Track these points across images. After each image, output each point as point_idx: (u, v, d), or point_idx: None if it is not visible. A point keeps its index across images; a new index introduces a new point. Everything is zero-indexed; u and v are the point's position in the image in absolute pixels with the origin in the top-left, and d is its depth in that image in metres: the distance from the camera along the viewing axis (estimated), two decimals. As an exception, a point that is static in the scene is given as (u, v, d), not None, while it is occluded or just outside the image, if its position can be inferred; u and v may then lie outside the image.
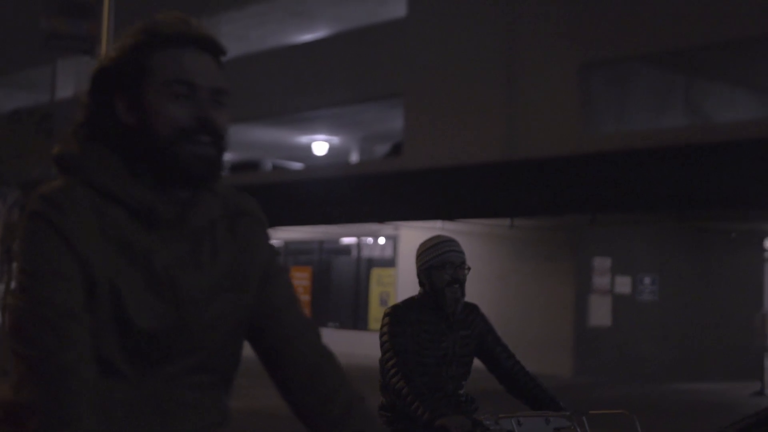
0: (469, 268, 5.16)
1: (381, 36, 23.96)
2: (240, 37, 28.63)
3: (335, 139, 30.40)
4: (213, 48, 2.25)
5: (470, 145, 21.31)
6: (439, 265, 5.10)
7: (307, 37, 28.21)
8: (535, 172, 19.53)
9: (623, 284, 20.98)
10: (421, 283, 5.17)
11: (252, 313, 2.36)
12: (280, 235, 26.55)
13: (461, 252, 5.17)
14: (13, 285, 2.15)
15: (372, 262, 24.98)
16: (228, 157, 29.09)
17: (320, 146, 30.61)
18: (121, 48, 2.24)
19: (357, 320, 24.89)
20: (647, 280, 21.47)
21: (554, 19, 20.12)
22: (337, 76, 24.95)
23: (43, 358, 2.05)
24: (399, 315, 5.08)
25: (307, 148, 31.00)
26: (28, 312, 2.09)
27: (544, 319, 20.34)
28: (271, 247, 2.44)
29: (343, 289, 25.75)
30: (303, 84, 25.81)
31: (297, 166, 30.43)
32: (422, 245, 5.22)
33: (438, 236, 5.28)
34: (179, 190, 2.22)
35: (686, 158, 17.37)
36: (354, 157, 30.99)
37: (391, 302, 22.55)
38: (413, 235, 22.91)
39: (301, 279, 26.47)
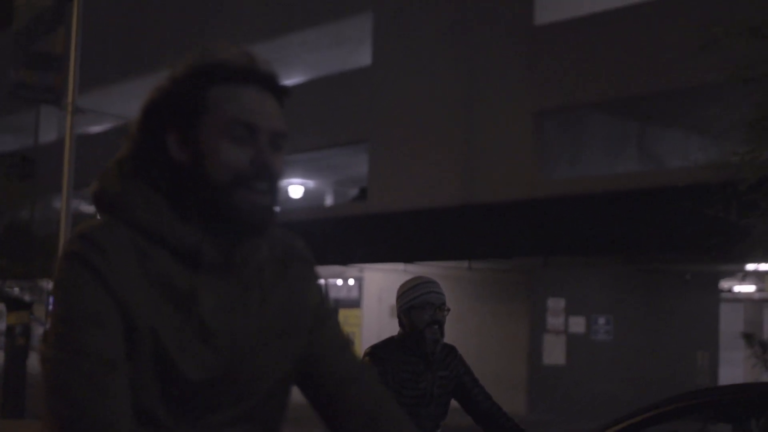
0: (448, 310, 5.20)
1: (348, 84, 24.76)
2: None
3: (310, 183, 31.13)
4: (276, 87, 2.13)
5: (431, 190, 22.04)
6: (419, 305, 5.14)
7: (300, 79, 29.05)
8: (492, 215, 20.27)
9: (577, 324, 21.66)
10: (401, 324, 5.22)
11: (302, 359, 2.24)
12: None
13: (441, 293, 5.21)
14: (47, 332, 2.03)
15: (338, 303, 25.68)
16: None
17: (296, 189, 31.35)
18: (176, 78, 2.10)
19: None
20: (601, 320, 22.15)
21: (510, 69, 20.91)
22: (310, 121, 25.73)
23: (77, 416, 1.91)
24: (378, 355, 5.13)
25: (284, 191, 31.74)
26: (62, 363, 1.95)
27: (499, 358, 20.99)
28: (321, 289, 2.32)
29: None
30: (294, 127, 26.53)
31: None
32: (403, 286, 5.28)
33: (419, 277, 5.35)
34: (229, 237, 2.08)
35: (639, 202, 18.03)
36: (328, 201, 31.73)
37: (357, 342, 23.24)
38: (377, 277, 23.62)
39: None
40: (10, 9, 16.55)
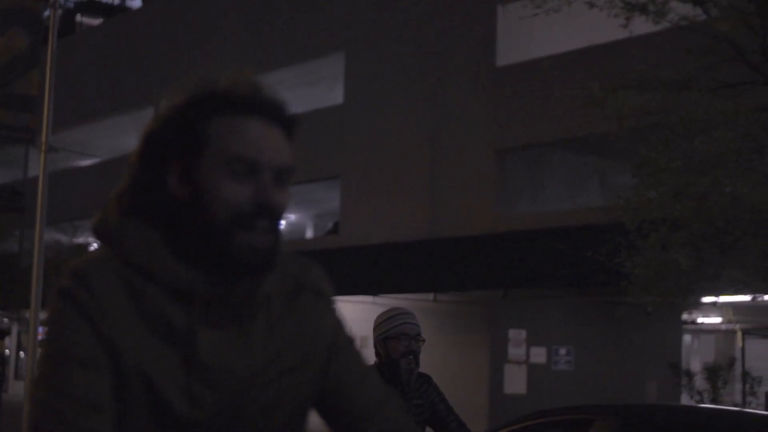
0: (423, 340, 5.27)
1: (322, 121, 25.63)
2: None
3: (292, 216, 31.92)
4: (282, 118, 2.00)
5: (398, 224, 22.82)
6: (394, 336, 5.20)
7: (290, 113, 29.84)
8: (455, 249, 21.03)
9: (538, 354, 22.35)
10: (377, 353, 5.27)
11: (321, 392, 2.15)
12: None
13: (416, 324, 5.28)
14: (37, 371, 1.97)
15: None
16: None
17: (277, 223, 32.08)
18: (175, 108, 1.98)
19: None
20: (562, 351, 22.84)
21: (473, 108, 21.73)
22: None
23: None
24: None
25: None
26: (42, 403, 1.89)
27: (463, 387, 21.66)
28: (337, 319, 2.20)
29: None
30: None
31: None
32: (379, 317, 5.35)
33: (395, 308, 5.44)
34: (228, 277, 1.97)
35: (596, 236, 18.69)
36: (309, 233, 32.52)
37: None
38: (348, 308, 24.27)
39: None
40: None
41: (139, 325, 1.94)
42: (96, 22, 48.16)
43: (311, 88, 27.61)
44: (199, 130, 1.94)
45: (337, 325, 2.18)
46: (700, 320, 26.53)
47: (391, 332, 5.20)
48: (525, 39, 20.87)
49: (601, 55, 19.66)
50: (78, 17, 57.64)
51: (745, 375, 16.17)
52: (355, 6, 25.07)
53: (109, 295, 1.94)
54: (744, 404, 13.55)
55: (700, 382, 15.12)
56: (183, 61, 29.70)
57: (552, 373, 22.70)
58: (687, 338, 30.34)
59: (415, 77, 23.05)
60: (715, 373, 14.67)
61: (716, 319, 27.54)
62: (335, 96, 26.61)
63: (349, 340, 2.20)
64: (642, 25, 12.84)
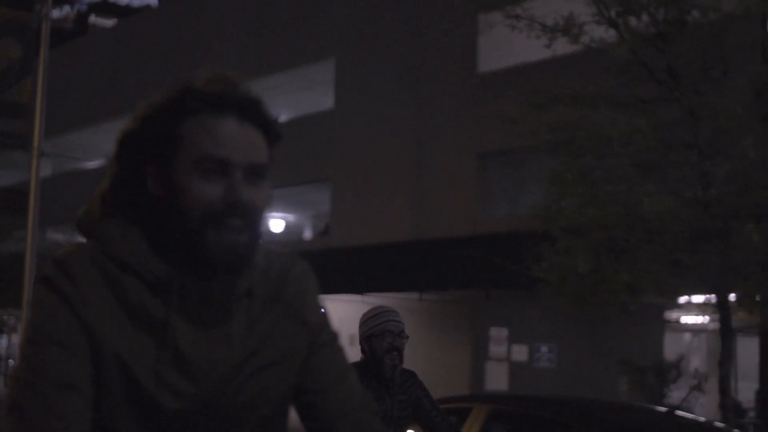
0: (407, 337, 5.38)
1: (313, 125, 26.34)
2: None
3: (291, 217, 32.60)
4: (257, 117, 2.00)
5: (385, 226, 23.50)
6: (379, 333, 5.31)
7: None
8: (439, 250, 21.68)
9: (520, 352, 22.96)
10: (362, 350, 5.38)
11: (300, 387, 2.17)
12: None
13: (400, 322, 5.40)
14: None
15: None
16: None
17: (277, 223, 32.77)
18: (151, 109, 2.00)
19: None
20: (544, 349, 23.42)
21: (455, 115, 22.39)
22: (284, 159, 27.28)
23: None
24: None
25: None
26: (22, 382, 1.94)
27: (445, 384, 22.31)
28: (321, 315, 2.21)
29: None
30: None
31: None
32: (365, 315, 5.47)
33: (379, 307, 5.56)
34: (204, 274, 1.99)
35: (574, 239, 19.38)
36: (307, 234, 33.18)
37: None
38: (338, 307, 25.00)
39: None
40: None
41: (119, 315, 1.98)
42: (110, 22, 48.89)
43: (304, 93, 28.28)
44: (173, 129, 1.96)
45: (321, 321, 2.19)
46: (683, 320, 27.01)
47: (375, 329, 5.32)
48: (505, 47, 21.51)
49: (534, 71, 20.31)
50: (92, 18, 58.45)
51: (695, 372, 16.81)
52: (345, 15, 25.78)
53: (90, 284, 1.98)
54: (685, 400, 14.20)
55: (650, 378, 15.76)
56: (183, 65, 30.45)
57: (534, 371, 23.28)
58: (687, 336, 30.76)
59: (401, 83, 23.75)
60: (662, 370, 15.31)
61: (699, 318, 27.99)
62: (327, 101, 27.31)
63: (332, 338, 2.22)
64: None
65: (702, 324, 29.49)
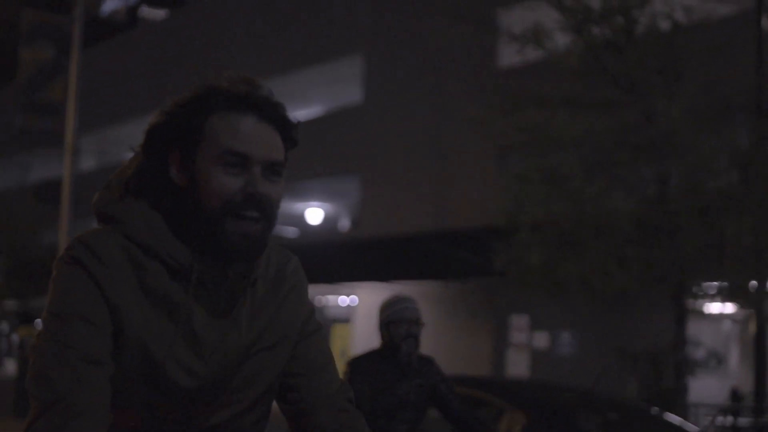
0: (423, 324, 5.58)
1: (343, 118, 27.11)
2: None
3: (329, 207, 33.34)
4: (276, 117, 2.15)
5: (410, 217, 24.20)
6: (396, 320, 5.49)
7: (302, 113, 31.36)
8: (462, 240, 22.31)
9: (541, 339, 23.48)
10: (381, 337, 5.59)
11: (283, 373, 2.31)
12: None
13: (416, 309, 5.58)
14: (41, 327, 2.10)
15: (334, 319, 27.95)
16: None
17: (315, 213, 33.42)
18: (178, 104, 2.14)
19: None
20: (565, 336, 23.88)
21: (475, 107, 22.97)
22: (316, 151, 28.07)
23: (56, 401, 1.99)
24: (359, 364, 5.53)
25: (302, 215, 34.06)
26: (50, 353, 2.03)
27: (468, 370, 22.96)
28: (310, 306, 2.38)
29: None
30: (296, 157, 28.87)
31: (293, 231, 33.52)
32: (383, 303, 5.66)
33: (397, 294, 5.74)
34: (220, 260, 2.13)
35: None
36: (344, 224, 33.90)
37: (348, 354, 25.46)
38: (367, 294, 25.78)
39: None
40: (15, 63, 18.98)
41: (141, 296, 2.10)
42: (160, 14, 49.65)
43: (334, 87, 28.99)
44: (198, 124, 2.10)
45: (309, 312, 2.36)
46: (707, 309, 27.20)
47: (392, 317, 5.51)
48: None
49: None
50: (144, 10, 59.32)
51: (686, 359, 17.21)
52: (373, 12, 26.47)
53: (115, 266, 2.09)
54: (677, 386, 14.77)
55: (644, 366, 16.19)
56: (221, 59, 31.27)
57: (555, 358, 23.78)
58: (727, 324, 30.92)
59: (425, 77, 24.39)
60: (656, 357, 15.80)
61: (726, 307, 28.20)
62: (357, 95, 28.01)
63: (317, 328, 2.38)
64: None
65: (733, 313, 29.71)
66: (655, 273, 12.89)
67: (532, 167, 13.26)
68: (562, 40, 13.65)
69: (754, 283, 14.58)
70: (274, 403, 2.37)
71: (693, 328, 28.41)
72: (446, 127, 23.70)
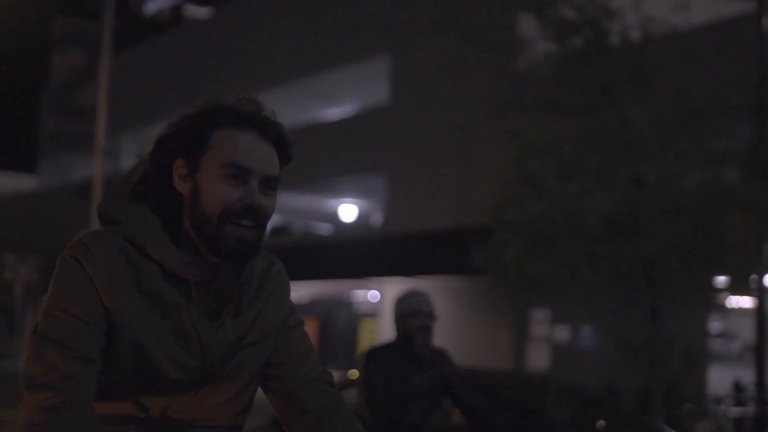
0: (436, 317, 5.73)
1: (370, 118, 27.75)
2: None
3: (362, 203, 33.96)
4: (275, 135, 2.29)
5: (435, 214, 24.79)
6: (410, 313, 5.63)
7: (333, 112, 32.03)
8: (483, 237, 22.84)
9: (562, 332, 23.91)
10: (396, 329, 5.72)
11: (269, 363, 2.44)
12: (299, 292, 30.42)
13: (429, 302, 5.72)
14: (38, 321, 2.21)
15: (362, 314, 28.62)
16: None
17: (349, 209, 34.05)
18: (186, 118, 2.27)
19: (352, 363, 28.37)
20: (587, 329, 24.27)
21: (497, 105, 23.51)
22: (346, 150, 28.75)
23: (45, 396, 2.11)
24: (373, 356, 5.65)
25: (335, 212, 34.73)
26: (43, 348, 2.16)
27: (489, 361, 23.47)
28: (290, 305, 2.51)
29: (339, 336, 29.40)
30: (328, 155, 29.59)
31: (327, 227, 34.22)
32: (398, 296, 5.81)
33: (411, 288, 5.90)
34: (215, 262, 2.26)
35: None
36: (377, 220, 34.53)
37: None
38: (393, 289, 26.38)
39: (309, 327, 30.28)
40: (48, 69, 19.80)
41: (136, 295, 2.22)
42: (204, 12, 50.28)
43: (362, 87, 29.59)
44: (204, 136, 2.24)
45: (290, 309, 2.50)
46: (730, 302, 27.49)
47: (407, 309, 5.65)
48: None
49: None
50: (188, 9, 60.05)
51: (685, 352, 17.63)
52: (400, 13, 27.06)
53: (112, 266, 2.21)
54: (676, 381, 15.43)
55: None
56: (251, 60, 32.02)
57: (576, 351, 24.18)
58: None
59: (447, 77, 24.95)
60: (656, 350, 16.24)
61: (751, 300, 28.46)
62: (383, 94, 28.62)
63: (298, 323, 2.52)
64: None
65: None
66: (622, 270, 13.45)
67: (510, 170, 13.91)
68: (543, 47, 14.23)
69: (755, 276, 15.08)
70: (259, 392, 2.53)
71: (731, 322, 28.77)
72: (470, 126, 24.19)
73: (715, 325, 28.55)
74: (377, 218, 34.42)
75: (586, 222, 13.00)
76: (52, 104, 19.08)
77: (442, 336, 23.02)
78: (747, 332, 26.00)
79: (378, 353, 5.65)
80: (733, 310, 28.44)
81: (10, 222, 28.66)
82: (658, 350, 13.67)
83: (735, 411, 15.64)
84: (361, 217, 34.39)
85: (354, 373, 9.10)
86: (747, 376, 24.10)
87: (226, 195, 2.22)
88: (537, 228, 13.52)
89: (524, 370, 23.06)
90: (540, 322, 23.69)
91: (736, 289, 14.99)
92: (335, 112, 31.11)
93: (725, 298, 27.70)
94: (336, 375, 4.37)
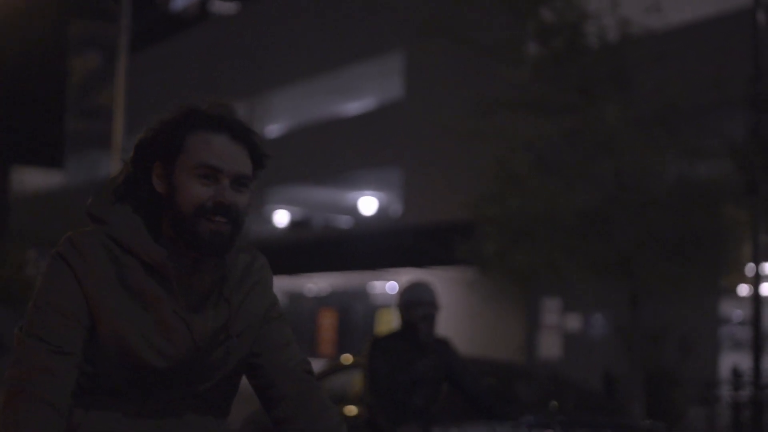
0: (439, 307, 5.89)
1: (386, 113, 28.26)
2: (291, 108, 33.23)
3: (383, 196, 34.42)
4: (245, 136, 2.39)
5: (449, 206, 25.28)
6: (414, 302, 5.82)
7: (353, 106, 32.50)
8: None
9: (574, 321, 24.30)
10: (401, 318, 5.93)
11: (251, 352, 2.54)
12: (312, 285, 31.02)
13: (432, 292, 5.91)
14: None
15: (378, 304, 29.15)
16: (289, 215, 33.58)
17: (369, 202, 34.45)
18: (163, 123, 2.39)
19: (370, 353, 28.94)
20: (598, 317, 24.64)
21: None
22: (362, 144, 29.26)
23: (21, 388, 2.26)
24: (378, 344, 5.84)
25: (355, 205, 35.19)
26: (26, 343, 2.30)
27: (501, 351, 23.94)
28: (273, 297, 2.61)
29: (357, 327, 29.91)
30: (347, 149, 30.10)
31: (347, 220, 34.72)
32: (402, 287, 6.00)
33: (415, 279, 6.09)
34: (193, 256, 2.38)
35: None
36: (397, 211, 35.00)
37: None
38: (405, 279, 26.93)
39: (328, 318, 30.85)
40: (62, 74, 20.35)
41: (119, 290, 2.34)
42: (231, 6, 50.53)
43: (393, 80, 30.00)
44: (178, 140, 2.35)
45: (272, 302, 2.60)
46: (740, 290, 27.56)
47: (411, 299, 5.85)
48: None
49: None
50: (215, 4, 60.21)
51: (681, 340, 17.97)
52: (414, 10, 27.49)
53: (96, 263, 2.33)
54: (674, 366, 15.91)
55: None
56: (263, 62, 32.55)
57: (587, 339, 24.56)
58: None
59: (456, 74, 25.41)
60: (656, 337, 16.75)
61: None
62: (398, 90, 29.09)
63: (279, 315, 2.62)
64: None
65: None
66: (597, 262, 13.94)
67: (492, 167, 14.47)
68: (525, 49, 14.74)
69: (751, 265, 15.49)
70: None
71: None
72: (482, 120, 24.63)
73: (737, 313, 28.61)
74: (396, 210, 34.91)
75: (563, 217, 13.50)
76: (72, 104, 19.65)
77: (455, 325, 23.59)
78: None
79: (382, 341, 5.83)
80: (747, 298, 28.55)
81: (36, 218, 29.26)
82: (638, 338, 14.16)
83: (732, 396, 16.00)
84: (381, 210, 34.86)
85: (347, 358, 9.63)
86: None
87: (199, 193, 2.34)
88: (516, 223, 14.03)
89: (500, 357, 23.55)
90: (551, 311, 24.06)
91: (730, 278, 15.38)
92: (355, 107, 31.58)
93: (737, 286, 27.90)
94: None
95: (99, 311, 2.34)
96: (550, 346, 23.96)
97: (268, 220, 34.43)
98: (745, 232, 14.87)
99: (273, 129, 33.52)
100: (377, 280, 29.10)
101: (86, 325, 2.34)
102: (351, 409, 8.68)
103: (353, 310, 30.64)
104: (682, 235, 13.78)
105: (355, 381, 9.12)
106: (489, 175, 14.77)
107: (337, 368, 9.75)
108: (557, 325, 24.06)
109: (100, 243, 2.36)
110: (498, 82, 16.05)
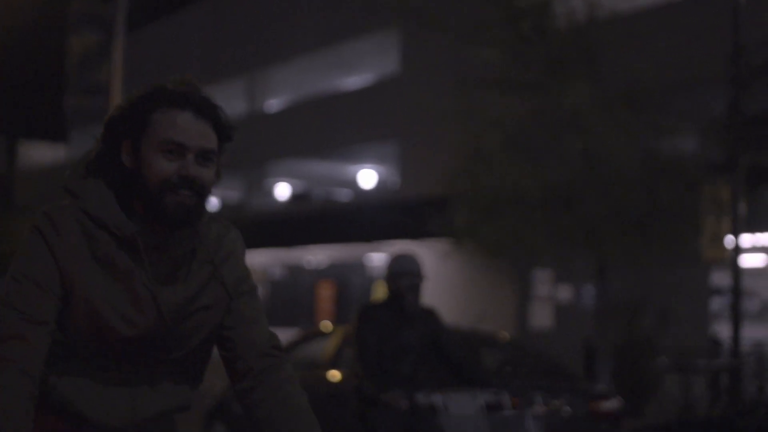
0: (424, 277, 5.99)
1: (383, 88, 28.64)
2: (291, 83, 33.56)
3: (382, 169, 34.76)
4: (210, 113, 2.45)
5: (443, 180, 25.67)
6: (400, 273, 5.93)
7: (351, 81, 32.83)
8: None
9: (565, 291, 24.65)
10: (388, 288, 6.03)
11: (220, 325, 2.62)
12: (313, 257, 31.48)
13: (418, 264, 5.99)
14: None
15: (375, 276, 29.58)
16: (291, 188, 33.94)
17: (368, 175, 34.76)
18: (130, 101, 2.46)
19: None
20: (589, 288, 24.90)
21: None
22: (361, 118, 29.64)
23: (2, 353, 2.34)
24: (366, 312, 5.95)
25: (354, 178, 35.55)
26: (1, 311, 2.40)
27: (494, 321, 24.35)
28: (245, 270, 2.67)
29: (354, 298, 30.36)
30: (346, 123, 30.50)
31: (347, 193, 35.11)
32: (389, 258, 6.11)
33: (402, 251, 6.21)
34: (162, 228, 2.44)
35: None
36: (394, 185, 35.36)
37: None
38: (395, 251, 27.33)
39: (327, 290, 31.34)
40: (62, 49, 20.74)
41: (91, 262, 2.42)
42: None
43: (389, 55, 30.35)
44: (144, 117, 2.42)
45: (244, 274, 2.66)
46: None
47: (397, 270, 5.97)
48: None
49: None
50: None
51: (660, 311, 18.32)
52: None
53: (70, 236, 2.41)
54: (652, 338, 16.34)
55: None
56: (263, 37, 32.84)
57: (578, 310, 24.87)
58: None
59: (452, 50, 25.73)
60: (635, 308, 17.16)
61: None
62: (395, 65, 29.45)
63: (252, 288, 2.68)
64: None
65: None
66: (559, 236, 14.39)
67: (462, 144, 14.93)
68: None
69: (731, 237, 15.88)
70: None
71: (749, 281, 29.10)
72: (476, 95, 25.00)
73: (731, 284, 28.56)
74: (395, 184, 35.24)
75: (530, 193, 13.94)
76: (72, 80, 20.00)
77: (448, 296, 24.05)
78: (766, 291, 26.39)
79: (370, 311, 5.94)
80: (746, 270, 28.78)
81: (38, 192, 29.64)
82: (606, 308, 14.65)
83: (709, 364, 16.39)
84: (380, 183, 35.20)
85: (326, 325, 10.07)
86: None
87: (165, 168, 2.41)
88: (486, 198, 14.48)
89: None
90: (543, 282, 24.46)
91: (708, 249, 15.74)
92: (353, 82, 31.94)
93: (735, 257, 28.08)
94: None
95: (72, 282, 2.44)
96: (541, 317, 24.39)
97: (269, 193, 34.86)
98: (717, 207, 15.25)
99: (273, 104, 33.86)
100: (374, 252, 29.55)
101: (60, 295, 2.44)
102: (335, 374, 9.00)
103: (351, 282, 31.12)
104: (647, 210, 14.19)
105: (328, 347, 9.56)
106: (463, 152, 15.20)
107: (316, 334, 10.27)
108: (549, 296, 24.43)
109: (73, 217, 2.45)
110: (476, 63, 16.46)
